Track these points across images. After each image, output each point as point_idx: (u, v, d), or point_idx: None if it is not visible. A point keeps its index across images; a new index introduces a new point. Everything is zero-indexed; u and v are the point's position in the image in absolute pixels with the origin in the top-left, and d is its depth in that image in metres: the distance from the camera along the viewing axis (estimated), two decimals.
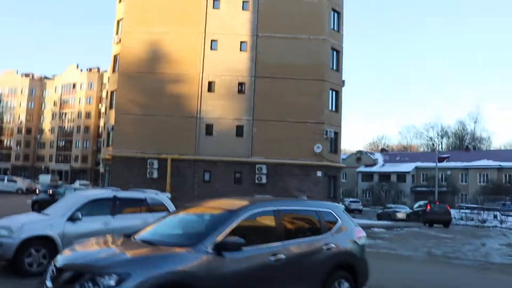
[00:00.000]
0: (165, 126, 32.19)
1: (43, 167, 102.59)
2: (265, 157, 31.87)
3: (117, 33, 37.39)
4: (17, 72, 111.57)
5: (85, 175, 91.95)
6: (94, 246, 5.70)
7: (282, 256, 5.67)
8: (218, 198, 7.28)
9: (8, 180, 51.81)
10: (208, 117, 32.58)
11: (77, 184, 67.72)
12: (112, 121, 35.05)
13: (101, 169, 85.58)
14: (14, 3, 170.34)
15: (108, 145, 37.08)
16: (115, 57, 37.47)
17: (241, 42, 33.45)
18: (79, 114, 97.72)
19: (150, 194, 11.04)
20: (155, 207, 10.80)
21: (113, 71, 37.74)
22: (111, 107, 37.21)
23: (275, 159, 31.73)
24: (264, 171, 31.71)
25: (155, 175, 31.82)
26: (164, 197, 11.21)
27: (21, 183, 52.94)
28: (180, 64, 33.09)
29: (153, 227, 6.36)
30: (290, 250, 5.85)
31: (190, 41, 33.36)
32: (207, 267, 4.95)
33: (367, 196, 73.67)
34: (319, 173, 31.61)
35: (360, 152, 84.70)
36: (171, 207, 11.10)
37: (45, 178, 71.76)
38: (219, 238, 5.19)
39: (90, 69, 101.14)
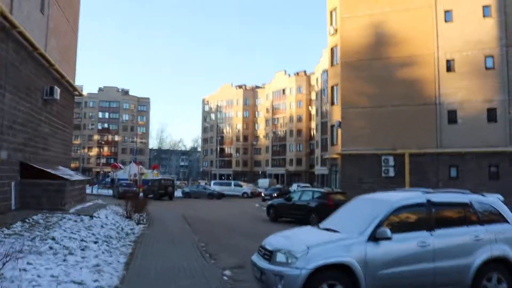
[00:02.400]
0: (398, 117, 28.32)
1: (260, 171, 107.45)
2: None
3: (331, 24, 35.08)
4: (231, 85, 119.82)
5: (300, 178, 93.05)
6: None
7: None
8: None
9: (234, 185, 53.88)
10: (450, 102, 27.56)
11: (294, 186, 68.06)
12: (336, 117, 32.58)
13: (316, 171, 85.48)
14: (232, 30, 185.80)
15: (333, 143, 34.73)
16: (332, 50, 35.20)
17: (483, 7, 27.62)
18: (290, 118, 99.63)
19: (475, 196, 7.33)
20: (485, 216, 7.08)
21: (332, 64, 35.43)
22: (332, 103, 34.90)
23: None
24: None
25: (391, 173, 28.12)
26: (496, 200, 7.37)
27: (246, 187, 54.59)
28: (409, 45, 28.84)
29: None
30: None
31: (418, 16, 28.89)
32: None
33: None
34: None
35: None
36: (508, 214, 7.24)
37: (263, 182, 73.76)
38: None
39: (297, 73, 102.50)
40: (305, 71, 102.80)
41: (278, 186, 64.45)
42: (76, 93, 22.64)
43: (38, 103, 16.35)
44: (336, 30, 33.89)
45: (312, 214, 19.36)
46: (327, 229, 7.04)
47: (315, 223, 19.33)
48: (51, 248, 8.86)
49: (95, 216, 13.69)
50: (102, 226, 12.67)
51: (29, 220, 11.82)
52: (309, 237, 6.72)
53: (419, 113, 27.99)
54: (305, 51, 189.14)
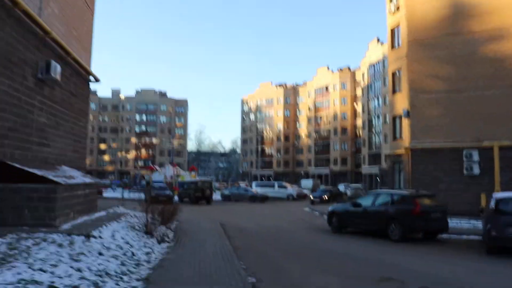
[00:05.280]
0: (483, 102, 23.05)
1: (302, 172, 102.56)
2: None
3: (391, 1, 30.25)
4: (271, 84, 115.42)
5: (345, 178, 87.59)
6: None
7: None
8: None
9: (278, 186, 49.25)
10: None
11: (341, 187, 62.69)
12: (400, 106, 27.61)
13: (364, 170, 79.71)
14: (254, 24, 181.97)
15: (395, 137, 29.66)
16: (392, 31, 30.35)
17: None
18: (334, 116, 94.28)
19: None
20: None
21: (392, 47, 30.49)
22: (394, 90, 29.89)
23: None
24: None
25: (476, 170, 22.84)
26: None
27: (291, 189, 49.86)
28: (496, 15, 23.45)
29: None
30: None
31: None
32: None
33: None
34: None
35: None
36: None
37: (307, 183, 68.86)
38: None
39: (341, 69, 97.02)
40: (349, 67, 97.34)
41: (323, 187, 59.32)
42: (92, 78, 18.55)
43: (28, 82, 12.23)
44: (398, 8, 28.95)
45: (392, 225, 14.57)
46: None
47: (398, 238, 14.71)
48: None
49: (93, 236, 9.35)
50: (100, 253, 8.31)
51: None
52: None
53: (511, 97, 22.63)
54: (348, 48, 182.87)
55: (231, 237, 14.62)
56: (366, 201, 16.35)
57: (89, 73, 18.14)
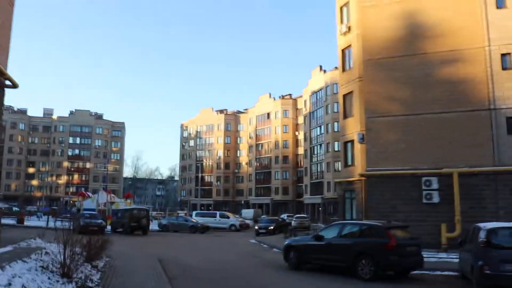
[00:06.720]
0: (441, 127, 22.04)
1: (242, 201, 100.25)
2: None
3: (342, 21, 29.55)
4: (212, 110, 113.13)
5: (287, 208, 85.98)
6: None
7: None
8: None
9: (220, 216, 46.42)
10: (509, 107, 21.31)
11: (284, 217, 60.74)
12: (352, 131, 26.62)
13: (306, 200, 78.54)
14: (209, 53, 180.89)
15: (347, 164, 28.26)
16: (343, 52, 29.42)
17: None
18: (276, 144, 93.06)
19: None
20: None
21: (343, 69, 29.49)
22: (345, 115, 28.73)
23: None
24: None
25: (435, 198, 21.58)
26: None
27: (234, 219, 47.21)
28: (452, 37, 22.75)
29: None
30: None
31: (462, 2, 22.96)
32: None
33: None
34: None
35: None
36: None
37: (247, 213, 66.78)
38: None
39: (283, 97, 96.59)
40: (291, 95, 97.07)
41: (265, 217, 56.52)
42: (8, 82, 15.55)
43: None
44: (349, 28, 28.14)
45: (362, 261, 12.51)
46: None
47: (369, 276, 12.38)
48: None
49: None
50: None
51: None
52: None
53: (468, 122, 21.66)
54: (290, 76, 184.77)
55: (172, 278, 12.02)
56: (329, 233, 14.24)
57: (4, 74, 15.13)
